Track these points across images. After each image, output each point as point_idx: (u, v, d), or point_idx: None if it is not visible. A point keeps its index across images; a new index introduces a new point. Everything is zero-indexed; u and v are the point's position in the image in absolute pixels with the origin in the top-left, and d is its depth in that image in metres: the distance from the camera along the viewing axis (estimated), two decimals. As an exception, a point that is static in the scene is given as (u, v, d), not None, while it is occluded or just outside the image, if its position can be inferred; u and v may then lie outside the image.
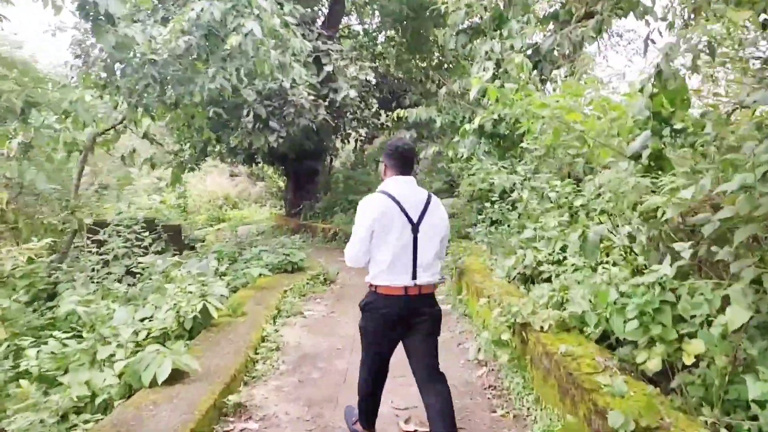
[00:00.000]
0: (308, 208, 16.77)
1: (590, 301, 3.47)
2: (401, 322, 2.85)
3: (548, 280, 5.33)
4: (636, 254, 3.71)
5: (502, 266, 6.11)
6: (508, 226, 6.99)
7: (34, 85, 6.47)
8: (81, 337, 4.37)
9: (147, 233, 7.32)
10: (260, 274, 6.89)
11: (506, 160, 7.79)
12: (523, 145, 6.85)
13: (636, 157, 3.51)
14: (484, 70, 8.52)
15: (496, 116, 8.01)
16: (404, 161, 2.90)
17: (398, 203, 2.77)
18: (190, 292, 5.07)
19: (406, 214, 2.77)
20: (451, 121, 10.40)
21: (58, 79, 8.02)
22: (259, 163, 17.85)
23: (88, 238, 6.53)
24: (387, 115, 20.51)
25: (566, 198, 5.51)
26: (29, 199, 7.85)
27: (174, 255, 8.27)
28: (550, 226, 5.37)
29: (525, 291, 5.17)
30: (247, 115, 11.27)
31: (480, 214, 9.03)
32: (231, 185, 33.19)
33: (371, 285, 2.88)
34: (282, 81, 10.68)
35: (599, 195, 4.35)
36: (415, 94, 15.45)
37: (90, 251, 6.27)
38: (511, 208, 7.20)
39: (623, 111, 3.50)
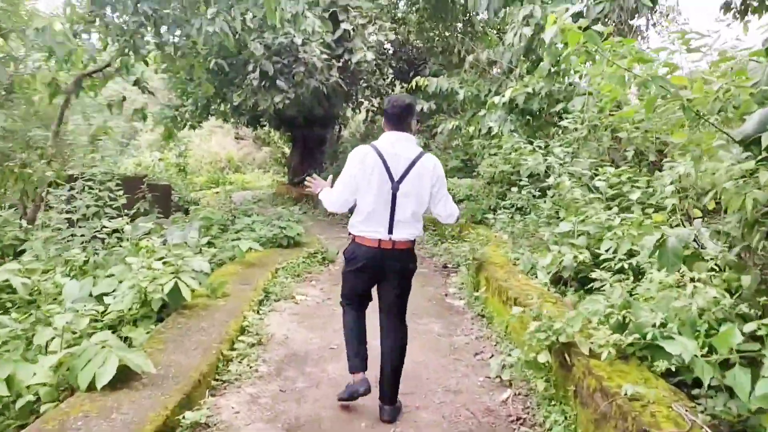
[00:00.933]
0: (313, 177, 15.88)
1: (678, 331, 2.60)
2: (373, 272, 3.02)
3: (586, 285, 4.50)
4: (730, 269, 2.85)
5: (527, 262, 5.26)
6: (537, 215, 6.12)
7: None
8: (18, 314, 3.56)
9: (126, 192, 6.48)
10: (250, 249, 6.05)
11: (538, 140, 6.87)
12: (565, 123, 5.92)
13: (749, 142, 2.61)
14: (519, 37, 7.54)
15: (530, 89, 7.07)
16: (396, 117, 2.94)
17: (382, 157, 2.86)
18: (160, 268, 4.24)
19: (388, 170, 2.86)
20: (475, 95, 9.44)
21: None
22: (265, 126, 16.91)
23: (48, 193, 5.68)
24: (402, 86, 19.54)
25: (618, 188, 4.62)
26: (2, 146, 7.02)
27: (159, 218, 7.45)
28: (596, 220, 4.49)
29: (560, 296, 4.33)
30: (253, 71, 10.32)
31: (502, 199, 8.15)
32: (235, 148, 32.27)
33: (350, 233, 3.05)
34: (294, 36, 9.75)
35: (682, 189, 3.45)
36: (435, 65, 14.37)
37: (50, 207, 5.43)
38: (540, 194, 6.31)
39: (745, 75, 2.58)
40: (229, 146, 31.82)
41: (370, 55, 9.89)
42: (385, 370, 3.08)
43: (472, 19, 15.00)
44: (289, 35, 9.74)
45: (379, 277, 3.05)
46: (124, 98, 8.29)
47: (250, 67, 9.97)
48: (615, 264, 3.81)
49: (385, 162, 2.86)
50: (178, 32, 6.63)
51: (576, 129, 5.89)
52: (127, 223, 5.06)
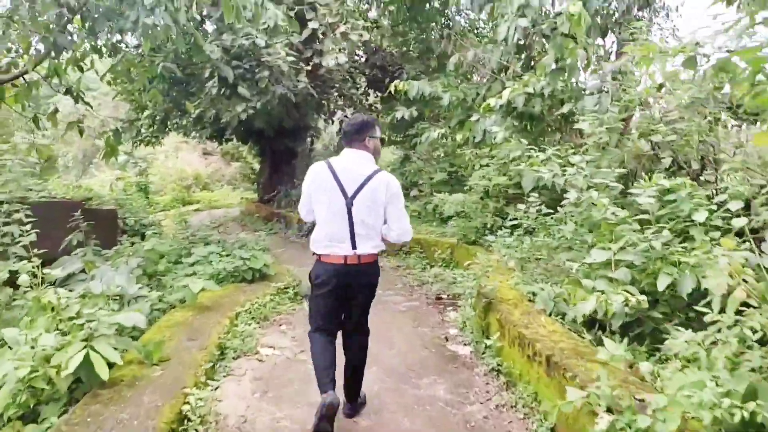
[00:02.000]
0: (284, 194, 14.72)
1: None
2: (342, 290, 3.01)
3: (631, 331, 3.48)
4: None
5: (547, 298, 4.22)
6: (551, 237, 5.11)
7: None
8: None
9: (60, 221, 5.26)
10: (203, 289, 4.88)
11: (540, 148, 5.87)
12: (582, 126, 4.92)
13: None
14: (514, 31, 6.57)
15: (531, 89, 6.09)
16: (348, 134, 3.04)
17: (334, 173, 2.93)
18: (66, 330, 3.07)
19: (341, 185, 2.91)
20: (461, 99, 8.46)
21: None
22: (231, 139, 15.67)
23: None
24: (377, 95, 18.55)
25: (668, 206, 3.62)
26: None
27: (97, 251, 6.22)
28: (643, 247, 3.48)
29: (596, 346, 3.29)
30: (211, 78, 9.17)
31: (500, 216, 7.13)
32: (203, 164, 30.82)
33: (314, 254, 3.04)
34: (255, 37, 8.66)
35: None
36: (412, 71, 13.43)
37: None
38: (551, 212, 5.30)
39: None
40: (196, 162, 30.38)
41: (342, 58, 8.83)
42: (347, 380, 3.25)
43: (450, 20, 14.14)
44: (250, 36, 8.64)
45: (348, 295, 3.05)
46: (56, 110, 7.04)
47: (207, 74, 8.83)
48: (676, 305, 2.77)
49: (336, 177, 2.91)
50: (108, 26, 5.47)
51: (594, 133, 4.89)
52: (35, 267, 3.85)
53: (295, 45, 8.90)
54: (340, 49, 8.95)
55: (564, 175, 4.46)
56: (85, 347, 3.04)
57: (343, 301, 3.08)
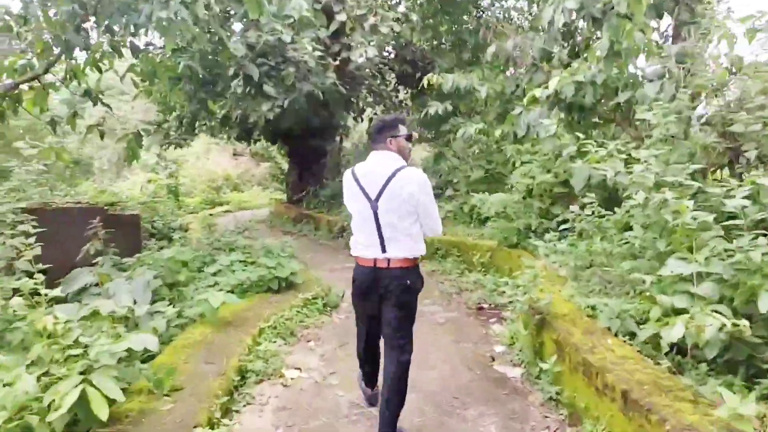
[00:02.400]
0: (312, 194, 14.33)
1: None
2: (372, 292, 2.94)
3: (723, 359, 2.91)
4: None
5: (611, 314, 3.66)
6: (609, 242, 4.53)
7: None
8: None
9: (81, 227, 4.93)
10: (224, 302, 4.46)
11: (600, 142, 5.26)
12: (645, 116, 4.32)
13: None
14: (561, 13, 5.97)
15: (581, 78, 5.49)
16: (370, 136, 3.03)
17: (357, 180, 2.91)
18: (62, 360, 2.68)
19: (364, 191, 2.87)
20: (498, 92, 7.88)
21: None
22: (259, 140, 15.36)
23: None
24: (407, 91, 18.02)
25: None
26: None
27: (116, 259, 5.91)
28: (740, 258, 2.89)
29: (675, 374, 2.73)
30: (236, 76, 8.81)
31: (545, 218, 6.55)
32: (233, 165, 30.82)
33: (352, 254, 3.03)
34: (281, 33, 8.26)
35: None
36: (445, 65, 12.84)
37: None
38: (605, 214, 4.71)
39: None
40: (226, 164, 30.38)
41: (371, 51, 8.35)
42: (382, 397, 2.95)
43: (484, 11, 13.55)
44: (275, 32, 8.24)
45: (378, 298, 2.95)
46: (75, 113, 6.76)
47: (231, 72, 8.46)
48: None
49: (358, 182, 2.90)
50: (123, 21, 5.10)
51: (659, 124, 4.28)
52: (39, 283, 3.48)
53: (322, 40, 8.46)
54: (369, 43, 8.47)
55: (629, 172, 3.87)
56: (82, 382, 2.65)
57: (376, 304, 2.98)
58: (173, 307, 5.07)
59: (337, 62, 8.63)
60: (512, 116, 6.38)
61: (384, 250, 2.84)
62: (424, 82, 8.53)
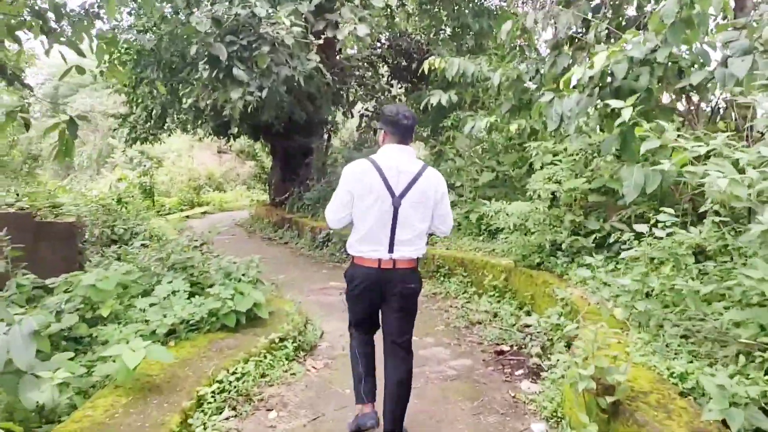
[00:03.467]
0: (297, 197, 12.95)
1: None
2: (373, 294, 2.83)
3: None
4: None
5: (721, 401, 2.34)
6: (689, 274, 3.22)
7: None
8: None
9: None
10: (145, 358, 3.10)
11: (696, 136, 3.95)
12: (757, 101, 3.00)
13: None
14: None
15: (637, 54, 4.17)
16: (405, 130, 2.78)
17: (381, 172, 2.70)
18: None
19: (388, 185, 2.70)
20: (514, 78, 6.56)
21: None
22: (238, 136, 13.92)
23: None
24: (402, 85, 16.67)
25: None
26: None
27: (38, 282, 4.56)
28: None
29: None
30: (200, 58, 7.42)
31: (578, 234, 5.25)
32: (216, 163, 29.30)
33: (348, 253, 2.86)
34: (254, 5, 6.91)
35: None
36: (445, 54, 11.46)
37: None
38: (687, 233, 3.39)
39: None
40: (210, 162, 28.87)
41: (362, 30, 6.98)
42: (388, 406, 2.85)
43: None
44: (248, 3, 6.87)
45: (380, 299, 2.84)
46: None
47: (193, 51, 7.05)
48: None
49: (384, 177, 2.69)
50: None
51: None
52: None
53: (303, 15, 7.09)
54: (360, 19, 7.10)
55: (747, 180, 2.55)
56: None
57: (377, 306, 2.89)
58: (85, 356, 3.74)
59: (321, 40, 7.23)
60: (541, 105, 5.04)
61: (391, 251, 2.74)
62: (424, 67, 7.18)
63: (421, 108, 14.39)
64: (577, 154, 5.59)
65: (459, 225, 7.47)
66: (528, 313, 5.17)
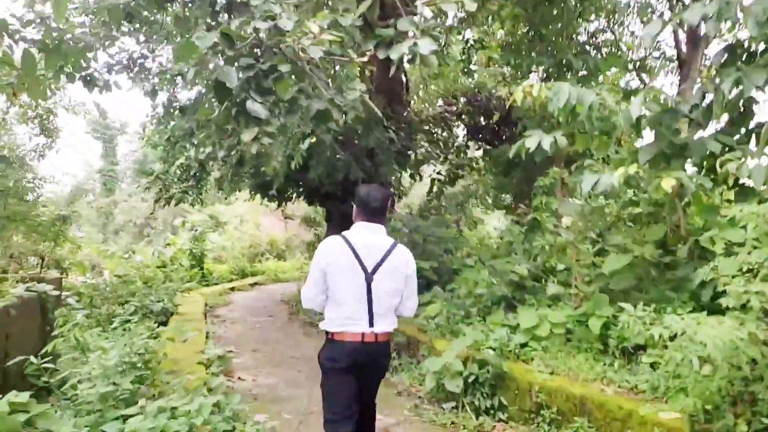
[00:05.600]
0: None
1: None
2: (357, 371, 2.84)
3: None
4: None
5: None
6: None
7: None
8: None
9: None
10: None
11: None
12: None
13: None
14: None
15: None
16: (371, 210, 2.92)
17: (353, 248, 2.82)
18: None
19: (360, 261, 2.80)
20: (661, 110, 4.10)
21: None
22: (288, 198, 12.01)
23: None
24: (479, 146, 14.47)
25: None
26: None
27: None
28: None
29: None
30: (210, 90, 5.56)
31: None
32: (281, 230, 28.00)
33: (327, 332, 2.88)
34: (278, 16, 5.05)
35: None
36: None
37: None
38: None
39: None
40: (273, 228, 27.62)
41: (426, 46, 4.84)
42: None
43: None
44: (270, 13, 4.95)
45: (362, 375, 2.86)
46: None
47: (191, 74, 5.16)
48: None
49: (356, 253, 2.80)
50: None
51: None
52: None
53: (345, 29, 5.11)
54: (422, 32, 5.00)
55: None
56: None
57: (359, 382, 2.86)
58: None
59: (366, 57, 5.13)
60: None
61: (371, 324, 2.80)
62: (517, 95, 4.89)
63: (501, 170, 12.16)
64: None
65: (567, 332, 4.83)
66: None
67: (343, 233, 2.89)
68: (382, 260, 2.80)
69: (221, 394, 4.16)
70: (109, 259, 15.80)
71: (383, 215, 2.94)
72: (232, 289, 14.58)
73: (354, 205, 3.00)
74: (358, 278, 2.76)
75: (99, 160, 45.03)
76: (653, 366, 4.05)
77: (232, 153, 6.94)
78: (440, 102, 14.25)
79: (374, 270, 2.78)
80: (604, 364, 4.37)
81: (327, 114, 5.33)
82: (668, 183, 3.95)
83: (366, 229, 2.88)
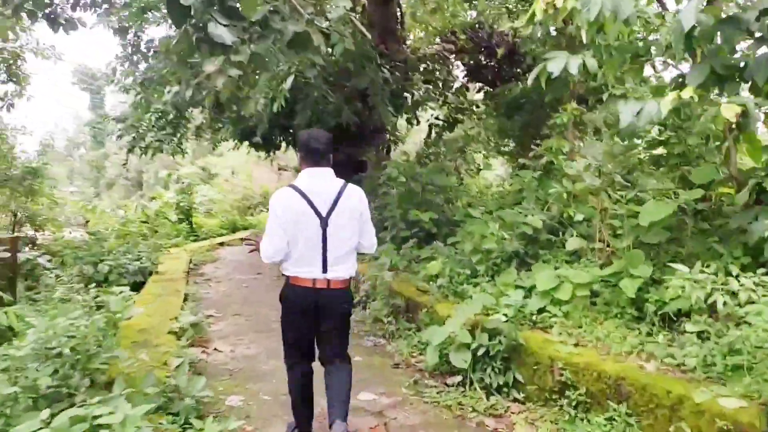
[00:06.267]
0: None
1: None
2: (310, 314, 2.90)
3: None
4: None
5: None
6: None
7: None
8: None
9: None
10: None
11: None
12: None
13: None
14: None
15: None
16: (314, 153, 2.91)
17: (305, 196, 2.81)
18: None
19: (314, 208, 2.81)
20: (717, 20, 3.23)
21: None
22: (274, 145, 11.05)
23: None
24: (482, 89, 13.42)
25: None
26: None
27: None
28: None
29: None
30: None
31: None
32: (274, 181, 27.12)
33: (284, 275, 2.93)
34: None
35: None
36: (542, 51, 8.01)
37: None
38: None
39: None
40: (267, 179, 26.72)
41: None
42: (336, 402, 2.89)
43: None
44: None
45: (316, 319, 2.93)
46: None
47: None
48: None
49: (309, 200, 2.81)
50: None
51: None
52: None
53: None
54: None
55: None
56: None
57: (313, 326, 2.96)
58: None
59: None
60: None
61: (325, 270, 2.84)
62: (533, 11, 3.99)
63: (504, 112, 11.21)
64: None
65: (596, 296, 4.12)
66: None
67: (292, 182, 2.90)
68: (335, 203, 2.83)
69: (183, 376, 3.48)
70: (92, 215, 15.02)
71: (329, 158, 2.94)
72: (221, 244, 13.88)
73: (298, 153, 2.98)
74: (313, 224, 2.79)
75: (88, 112, 43.57)
76: (700, 336, 3.35)
77: (203, 92, 6.03)
78: (438, 40, 13.15)
79: (328, 214, 2.81)
80: (639, 333, 3.67)
81: (306, 38, 4.42)
82: (731, 110, 3.13)
83: (313, 175, 2.88)
